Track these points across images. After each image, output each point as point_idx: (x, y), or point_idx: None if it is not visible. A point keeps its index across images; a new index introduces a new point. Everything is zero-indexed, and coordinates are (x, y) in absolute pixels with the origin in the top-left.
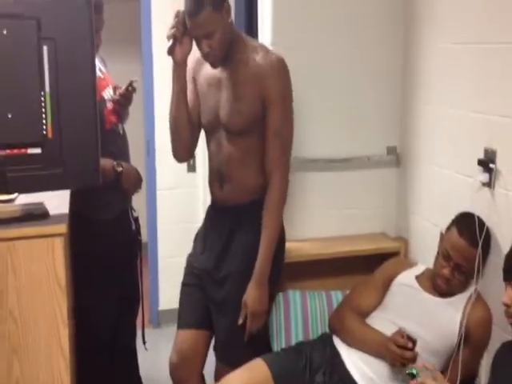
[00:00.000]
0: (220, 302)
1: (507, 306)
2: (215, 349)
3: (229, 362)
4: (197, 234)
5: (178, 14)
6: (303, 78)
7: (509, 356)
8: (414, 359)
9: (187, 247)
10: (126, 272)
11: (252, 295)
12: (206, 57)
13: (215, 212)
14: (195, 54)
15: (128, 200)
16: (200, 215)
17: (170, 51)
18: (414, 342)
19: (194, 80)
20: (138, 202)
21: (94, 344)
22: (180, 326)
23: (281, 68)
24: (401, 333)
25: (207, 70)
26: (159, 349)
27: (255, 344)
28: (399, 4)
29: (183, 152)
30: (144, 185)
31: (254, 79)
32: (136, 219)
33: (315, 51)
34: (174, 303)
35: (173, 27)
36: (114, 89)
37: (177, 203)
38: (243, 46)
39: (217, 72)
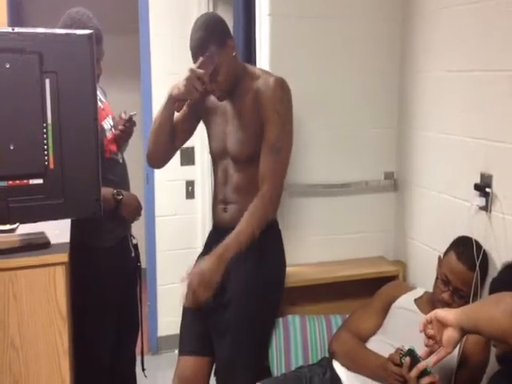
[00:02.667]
0: (221, 326)
1: None
2: (216, 373)
3: None
4: (198, 258)
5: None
6: (302, 105)
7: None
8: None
9: (185, 272)
10: (126, 300)
11: (205, 261)
12: (212, 92)
13: (217, 235)
14: None
15: (127, 228)
16: (199, 241)
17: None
18: (416, 359)
19: (194, 104)
20: (137, 228)
21: (94, 372)
22: (181, 352)
23: (278, 86)
24: (398, 351)
25: (214, 100)
26: (158, 375)
27: (256, 369)
28: (395, 33)
29: (160, 159)
30: (143, 212)
31: (255, 104)
32: (135, 246)
33: (313, 80)
34: (172, 329)
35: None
36: (114, 119)
37: (175, 229)
38: (247, 76)
39: (224, 102)
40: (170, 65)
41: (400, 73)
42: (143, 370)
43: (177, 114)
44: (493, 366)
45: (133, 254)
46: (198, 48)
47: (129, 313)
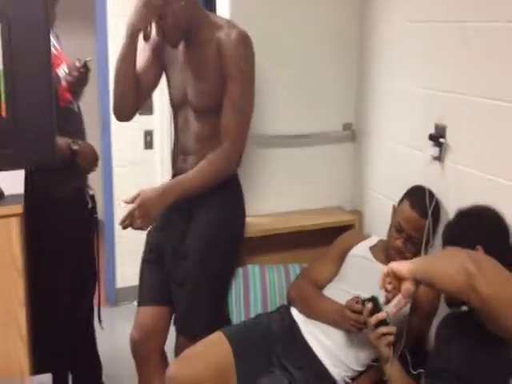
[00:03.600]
0: (180, 276)
1: None
2: (175, 322)
3: (189, 334)
4: None
5: None
6: (261, 55)
7: (448, 326)
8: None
9: None
10: (83, 251)
11: (149, 193)
12: (163, 38)
13: None
14: None
15: (84, 178)
16: None
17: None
18: (377, 306)
19: (157, 50)
20: (94, 179)
21: (51, 324)
22: (141, 303)
23: (241, 41)
24: (355, 299)
25: (175, 49)
26: (117, 327)
27: (215, 318)
28: None
29: (126, 111)
30: (100, 163)
31: (216, 56)
32: (92, 197)
33: (273, 31)
34: (131, 281)
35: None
36: (68, 66)
37: (134, 180)
38: (208, 25)
39: (183, 52)
40: (125, 8)
41: (360, 23)
42: (100, 321)
43: (140, 65)
44: (442, 310)
45: (90, 206)
46: None
47: (86, 264)
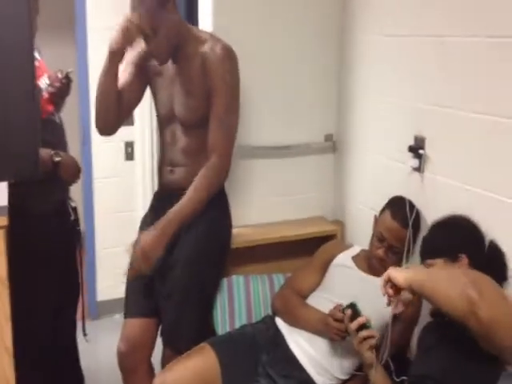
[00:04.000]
0: (168, 288)
1: None
2: (162, 334)
3: (176, 346)
4: (143, 221)
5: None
6: (245, 68)
7: (430, 333)
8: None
9: (125, 237)
10: (66, 264)
11: (148, 236)
12: (152, 56)
13: (163, 198)
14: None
15: (66, 190)
16: (139, 203)
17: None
18: (356, 313)
19: (141, 65)
20: (74, 191)
21: (35, 338)
22: (127, 315)
23: (225, 56)
24: (338, 307)
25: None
26: (99, 340)
27: (201, 329)
28: None
29: (109, 126)
30: (81, 174)
31: (201, 71)
32: (74, 209)
33: (255, 43)
34: (112, 294)
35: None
36: (50, 77)
37: (115, 192)
38: (193, 39)
39: (169, 66)
40: (106, 19)
41: (340, 36)
42: (84, 335)
43: (124, 80)
44: (425, 319)
45: (72, 218)
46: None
47: (69, 277)
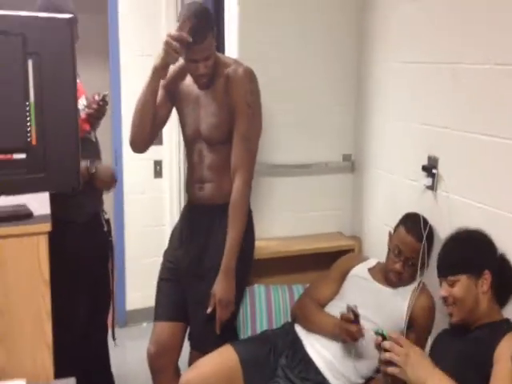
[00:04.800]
0: (198, 296)
1: (445, 298)
2: (190, 338)
3: (202, 349)
4: (173, 232)
5: (182, 29)
6: (266, 89)
7: (443, 340)
8: (358, 331)
9: (153, 249)
10: (99, 272)
11: (220, 286)
12: (201, 77)
13: (192, 211)
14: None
15: (100, 203)
16: (166, 218)
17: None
18: (357, 316)
19: (169, 89)
20: (106, 206)
21: (69, 341)
22: (157, 319)
23: (247, 77)
24: (349, 309)
25: (187, 87)
26: (126, 347)
27: (226, 334)
28: (353, 22)
29: (143, 143)
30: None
31: (225, 91)
32: (107, 221)
33: (277, 66)
34: (140, 303)
35: (175, 39)
36: (87, 99)
37: (144, 207)
38: (220, 64)
39: (196, 90)
40: (138, 45)
41: (358, 61)
42: (114, 339)
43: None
44: (439, 328)
45: (105, 229)
46: (201, 34)
47: (101, 285)
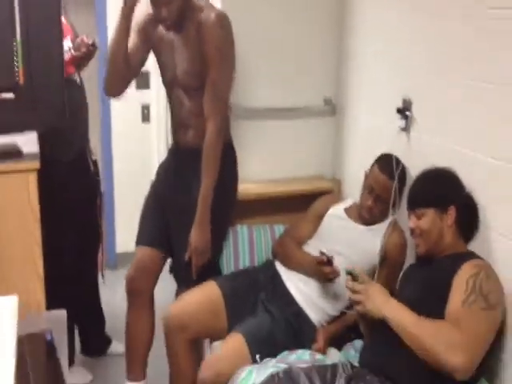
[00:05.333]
0: (183, 227)
1: (412, 230)
2: (174, 274)
3: (186, 285)
4: (160, 166)
5: None
6: (246, 31)
7: (410, 272)
8: (333, 272)
9: (141, 193)
10: (87, 212)
11: (195, 234)
12: (161, 21)
13: (179, 153)
14: (148, 8)
15: (86, 141)
16: (155, 161)
17: None
18: (330, 258)
19: (143, 33)
20: (94, 149)
21: (58, 278)
22: (139, 243)
23: (218, 23)
24: (320, 253)
25: (161, 31)
26: (116, 289)
27: (209, 272)
28: None
29: (116, 87)
30: (99, 132)
31: (198, 37)
32: (95, 162)
33: (257, 6)
34: (130, 247)
35: None
36: (74, 41)
37: (131, 150)
38: (192, 7)
39: (170, 34)
40: None
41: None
42: (103, 277)
43: (129, 44)
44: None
45: (92, 169)
46: None
47: (89, 224)
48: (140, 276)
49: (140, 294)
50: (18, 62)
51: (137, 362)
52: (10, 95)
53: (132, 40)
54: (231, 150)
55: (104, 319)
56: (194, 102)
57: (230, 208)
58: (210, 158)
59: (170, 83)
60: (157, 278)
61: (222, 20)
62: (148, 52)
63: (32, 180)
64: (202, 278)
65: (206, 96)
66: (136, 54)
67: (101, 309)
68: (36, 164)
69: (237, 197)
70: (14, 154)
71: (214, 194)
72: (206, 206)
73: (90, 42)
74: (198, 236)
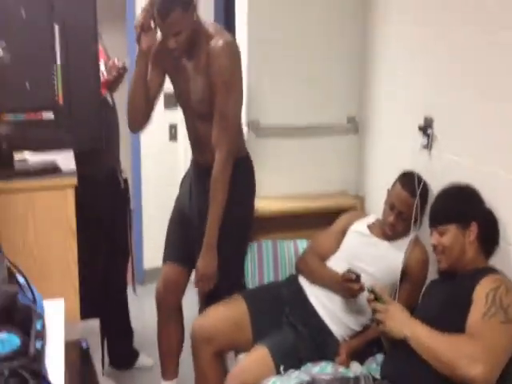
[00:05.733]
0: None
1: (435, 246)
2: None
3: (211, 299)
4: (183, 180)
5: (148, 4)
6: (271, 48)
7: (432, 287)
8: (360, 290)
9: (169, 209)
10: (116, 229)
11: (201, 261)
12: (171, 51)
13: (197, 166)
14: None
15: (117, 160)
16: (180, 179)
17: (137, 40)
18: (358, 276)
19: (159, 61)
20: (124, 166)
21: (88, 292)
22: (166, 259)
23: (226, 51)
24: (348, 270)
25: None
26: (144, 304)
27: (234, 284)
28: None
29: (138, 124)
30: (129, 150)
31: (207, 65)
32: (125, 180)
33: (283, 25)
34: (157, 263)
35: (141, 18)
36: (106, 64)
37: (160, 168)
38: (203, 36)
39: (183, 60)
40: None
41: (364, 22)
42: (134, 290)
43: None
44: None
45: (122, 186)
46: (164, 7)
47: (119, 240)
48: (169, 289)
49: (168, 308)
50: (57, 85)
51: (169, 364)
52: (50, 115)
53: (148, 72)
54: (245, 163)
55: (132, 332)
56: (207, 126)
57: (248, 222)
58: (217, 185)
59: (183, 107)
60: (183, 291)
61: (229, 48)
62: (164, 76)
63: (70, 195)
64: (226, 294)
65: (214, 125)
66: (153, 87)
67: (129, 322)
68: (74, 180)
69: (254, 211)
70: (53, 170)
71: (231, 209)
72: (213, 232)
73: (121, 66)
74: (205, 262)
